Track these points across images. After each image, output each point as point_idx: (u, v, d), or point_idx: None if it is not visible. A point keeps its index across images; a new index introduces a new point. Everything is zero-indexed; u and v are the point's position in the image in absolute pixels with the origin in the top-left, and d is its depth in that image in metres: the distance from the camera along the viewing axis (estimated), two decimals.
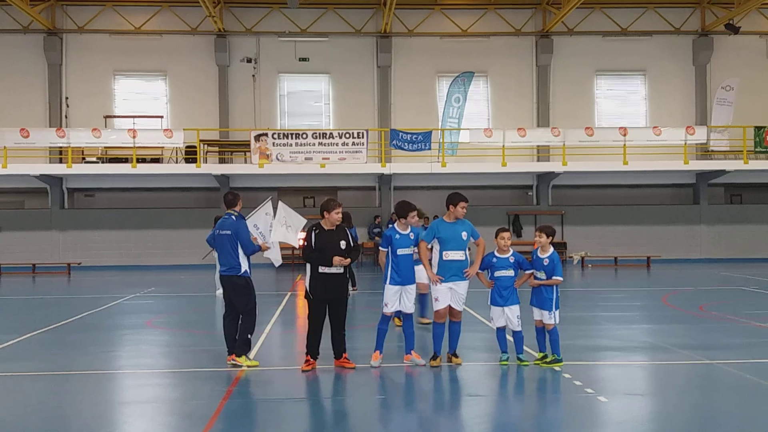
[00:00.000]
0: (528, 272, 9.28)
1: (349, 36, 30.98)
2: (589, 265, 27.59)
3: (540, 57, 31.07)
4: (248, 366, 9.17)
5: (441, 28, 31.13)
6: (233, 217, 9.42)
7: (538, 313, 9.24)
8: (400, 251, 9.15)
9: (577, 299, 16.59)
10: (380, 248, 9.41)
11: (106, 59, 30.44)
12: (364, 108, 30.77)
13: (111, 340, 11.95)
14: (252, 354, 10.09)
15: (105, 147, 27.72)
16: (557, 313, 9.18)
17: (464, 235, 9.20)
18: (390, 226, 9.56)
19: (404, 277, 9.17)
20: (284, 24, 30.70)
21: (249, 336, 9.33)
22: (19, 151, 26.71)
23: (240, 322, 9.40)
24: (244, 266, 9.32)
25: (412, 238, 9.25)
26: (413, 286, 9.27)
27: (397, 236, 9.19)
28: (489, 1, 31.04)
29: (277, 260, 10.34)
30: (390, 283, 9.18)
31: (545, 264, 9.15)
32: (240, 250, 9.30)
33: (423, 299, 12.25)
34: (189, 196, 29.94)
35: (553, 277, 9.12)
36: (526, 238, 27.97)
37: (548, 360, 9.15)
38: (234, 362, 9.26)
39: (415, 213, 9.42)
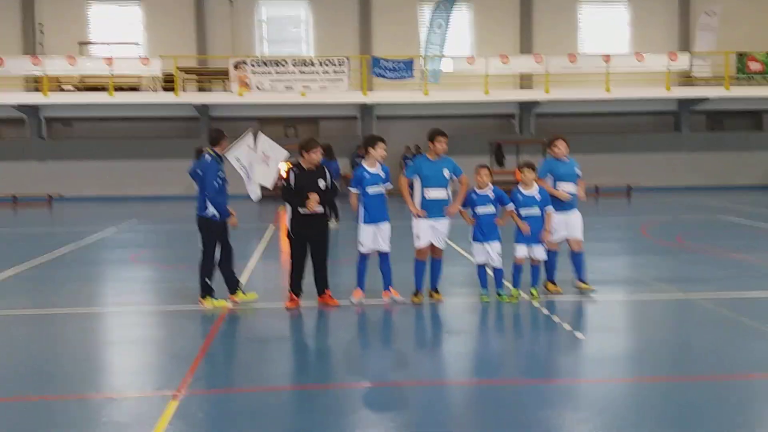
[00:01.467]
0: (509, 208, 9.29)
1: None
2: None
3: None
4: (214, 307, 9.14)
5: None
6: (209, 157, 9.26)
7: (523, 250, 9.31)
8: (370, 189, 9.07)
9: None
10: (350, 189, 9.22)
11: None
12: (345, 35, 30.21)
13: (95, 277, 12.02)
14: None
15: (81, 75, 27.22)
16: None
17: (446, 172, 9.18)
18: (358, 161, 9.27)
19: (376, 216, 9.11)
20: None
21: (207, 280, 9.23)
22: None
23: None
24: (212, 209, 9.14)
25: (383, 176, 9.17)
26: (387, 224, 9.19)
27: (367, 175, 9.11)
28: None
29: (256, 194, 10.29)
30: (363, 222, 9.16)
31: (538, 200, 9.22)
32: None
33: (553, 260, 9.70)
34: (168, 125, 29.57)
35: (547, 208, 9.25)
36: (509, 168, 27.97)
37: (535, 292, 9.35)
38: (202, 305, 9.16)
39: (384, 145, 9.14)
